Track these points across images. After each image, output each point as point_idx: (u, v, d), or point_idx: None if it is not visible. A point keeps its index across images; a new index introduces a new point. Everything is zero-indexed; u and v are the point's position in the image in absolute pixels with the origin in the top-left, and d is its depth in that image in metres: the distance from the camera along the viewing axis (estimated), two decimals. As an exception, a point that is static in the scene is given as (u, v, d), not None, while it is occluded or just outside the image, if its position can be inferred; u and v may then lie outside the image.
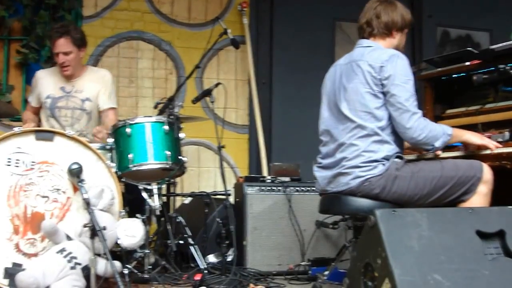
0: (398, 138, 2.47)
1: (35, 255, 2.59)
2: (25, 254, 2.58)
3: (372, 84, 2.43)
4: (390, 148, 2.44)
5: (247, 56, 4.61)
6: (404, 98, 2.39)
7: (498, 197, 2.43)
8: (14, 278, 2.40)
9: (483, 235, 1.89)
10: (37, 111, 3.60)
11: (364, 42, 2.60)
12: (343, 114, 2.50)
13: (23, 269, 2.48)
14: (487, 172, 2.41)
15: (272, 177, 3.56)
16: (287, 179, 3.55)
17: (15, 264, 2.54)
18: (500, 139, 2.47)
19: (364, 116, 2.44)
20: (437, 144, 2.41)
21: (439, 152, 2.50)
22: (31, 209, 2.63)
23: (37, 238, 2.61)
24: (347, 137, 2.47)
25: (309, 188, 3.43)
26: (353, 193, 2.44)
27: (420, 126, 2.38)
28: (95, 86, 3.54)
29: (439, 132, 2.42)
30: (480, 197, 2.39)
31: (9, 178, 2.63)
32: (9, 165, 2.64)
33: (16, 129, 2.69)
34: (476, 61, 2.74)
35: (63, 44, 3.42)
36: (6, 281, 2.50)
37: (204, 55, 3.64)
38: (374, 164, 2.40)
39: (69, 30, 3.46)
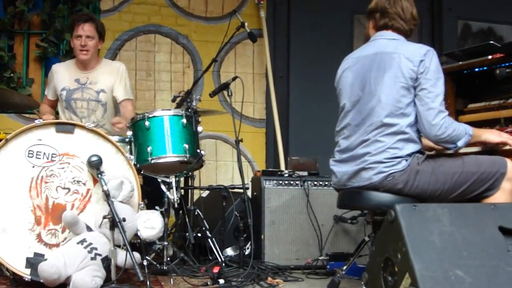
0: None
1: (57, 245, 2.63)
2: (46, 244, 2.62)
3: (408, 78, 2.39)
4: (415, 146, 2.42)
5: (264, 50, 4.61)
6: (434, 94, 2.37)
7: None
8: (36, 268, 2.44)
9: (506, 231, 1.87)
10: (53, 104, 3.66)
11: (387, 34, 2.55)
12: (371, 108, 2.45)
13: (45, 259, 2.52)
14: (511, 168, 2.39)
15: (289, 171, 3.56)
16: (304, 173, 3.54)
17: (36, 254, 2.58)
18: (525, 134, 2.44)
19: (394, 111, 2.40)
20: (460, 143, 2.40)
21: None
22: (53, 200, 2.67)
23: (58, 228, 2.65)
24: (373, 134, 2.43)
25: (327, 183, 3.43)
26: (375, 188, 2.42)
27: (445, 124, 2.36)
28: (110, 78, 3.60)
29: (462, 132, 2.39)
30: (504, 194, 2.37)
31: (31, 170, 2.67)
32: (30, 157, 2.67)
33: (37, 121, 2.72)
34: (499, 55, 2.71)
35: (88, 29, 3.52)
36: (28, 271, 2.54)
37: (221, 48, 3.64)
38: (398, 159, 2.38)
39: (94, 17, 3.59)
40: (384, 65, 2.45)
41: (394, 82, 2.41)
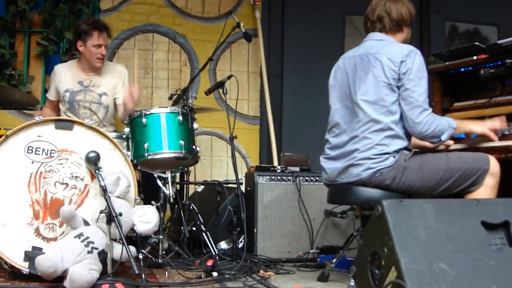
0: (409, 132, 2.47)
1: (54, 239, 2.60)
2: (44, 238, 2.60)
3: (390, 78, 2.40)
4: (401, 143, 2.44)
5: (259, 49, 4.60)
6: (417, 93, 2.38)
7: (504, 189, 2.42)
8: (34, 261, 2.43)
9: (489, 226, 1.87)
10: (55, 106, 3.63)
11: (376, 35, 2.57)
12: (358, 106, 2.47)
13: (43, 253, 2.50)
14: (494, 165, 2.39)
15: (282, 167, 3.56)
16: (297, 169, 3.54)
17: (35, 248, 2.55)
18: (506, 132, 2.45)
19: (379, 109, 2.42)
20: (443, 137, 2.43)
21: (450, 142, 2.50)
22: (51, 195, 2.64)
23: (56, 223, 2.63)
24: (361, 131, 2.44)
25: (318, 178, 3.42)
26: (364, 183, 2.43)
27: (428, 121, 2.38)
28: (112, 81, 3.59)
29: (445, 126, 2.42)
30: (487, 189, 2.38)
31: (30, 165, 2.64)
32: (30, 152, 2.65)
33: (36, 118, 2.70)
34: (483, 55, 2.72)
35: (106, 38, 3.52)
36: (26, 264, 2.52)
37: (217, 47, 3.62)
38: (386, 156, 2.39)
39: (107, 25, 3.56)
40: (369, 65, 2.46)
41: (377, 81, 2.42)
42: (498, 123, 2.49)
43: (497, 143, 2.46)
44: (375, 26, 2.58)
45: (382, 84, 2.41)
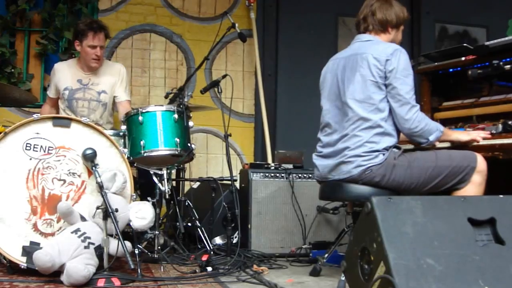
0: (398, 129, 2.47)
1: (52, 234, 2.60)
2: (42, 233, 2.59)
3: (377, 76, 2.41)
4: (391, 140, 2.43)
5: (253, 49, 4.59)
6: (404, 91, 2.39)
7: (491, 187, 2.42)
8: (32, 256, 2.42)
9: (475, 222, 1.87)
10: (55, 103, 3.62)
11: (363, 36, 2.58)
12: (347, 105, 2.47)
13: (40, 248, 2.49)
14: (481, 163, 2.39)
15: (276, 164, 3.55)
16: (290, 166, 3.54)
17: (32, 243, 2.55)
18: (493, 131, 2.46)
19: (368, 108, 2.42)
20: (431, 138, 2.42)
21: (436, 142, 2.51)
22: (49, 191, 2.64)
23: (54, 218, 2.62)
24: (351, 129, 2.45)
25: (311, 175, 3.41)
26: (354, 181, 2.43)
27: (417, 118, 2.38)
28: (111, 79, 3.57)
29: (433, 127, 2.42)
30: (474, 186, 2.38)
31: (28, 162, 2.64)
32: (28, 149, 2.64)
33: (35, 116, 2.69)
34: (471, 56, 2.73)
35: (102, 39, 3.48)
36: (24, 259, 2.52)
37: (213, 47, 3.61)
38: (375, 153, 2.39)
39: (105, 26, 3.51)
40: (356, 65, 2.47)
41: (364, 80, 2.43)
42: (482, 134, 2.50)
43: (484, 142, 2.46)
44: (361, 26, 2.60)
45: (369, 83, 2.42)
